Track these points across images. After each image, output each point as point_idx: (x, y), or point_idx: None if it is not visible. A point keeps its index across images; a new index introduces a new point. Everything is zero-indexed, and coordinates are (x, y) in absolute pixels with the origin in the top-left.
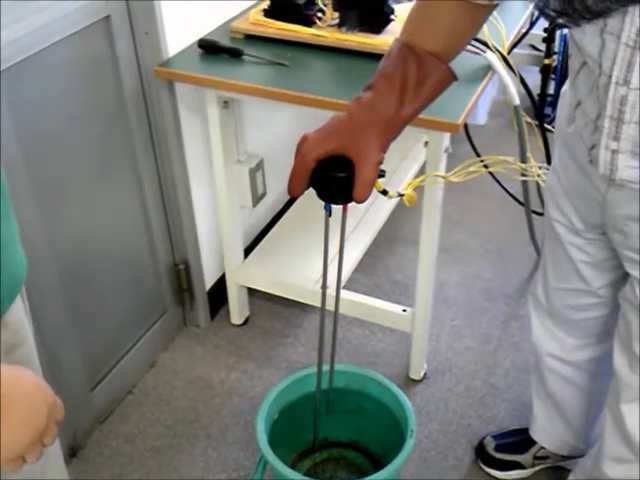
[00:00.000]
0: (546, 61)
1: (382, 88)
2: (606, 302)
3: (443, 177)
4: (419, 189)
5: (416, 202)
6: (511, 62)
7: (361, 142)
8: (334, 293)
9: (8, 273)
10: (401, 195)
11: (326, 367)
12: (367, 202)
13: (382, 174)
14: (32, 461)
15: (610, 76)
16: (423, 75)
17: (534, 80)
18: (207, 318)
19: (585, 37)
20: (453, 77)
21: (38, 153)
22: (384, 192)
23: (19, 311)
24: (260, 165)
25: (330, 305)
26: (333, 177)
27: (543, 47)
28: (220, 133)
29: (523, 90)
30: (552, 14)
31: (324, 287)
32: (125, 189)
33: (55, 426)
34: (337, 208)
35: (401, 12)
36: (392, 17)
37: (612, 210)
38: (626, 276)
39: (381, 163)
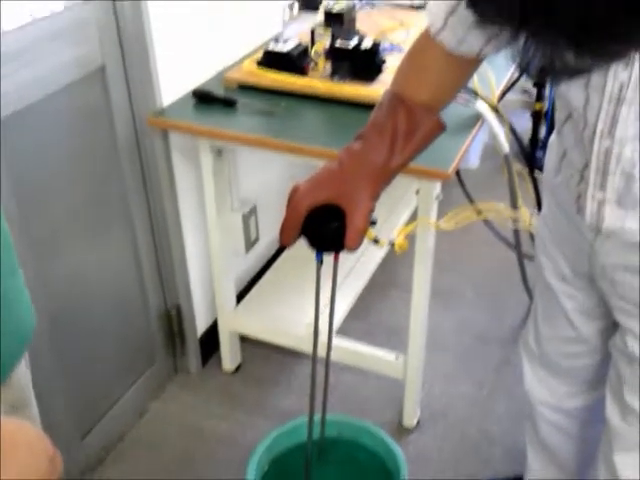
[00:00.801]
0: (537, 106)
1: (372, 138)
2: (597, 350)
3: (434, 225)
4: (411, 234)
5: (407, 250)
6: (501, 111)
7: (352, 191)
8: (326, 340)
9: (17, 328)
10: (392, 244)
11: (318, 416)
12: (360, 248)
13: (373, 222)
14: None
15: (595, 129)
16: (413, 126)
17: (525, 124)
18: (198, 365)
19: (570, 90)
20: (442, 128)
21: (31, 200)
22: (375, 241)
23: (24, 370)
24: (253, 211)
25: (322, 352)
26: (324, 226)
27: (534, 91)
28: (213, 181)
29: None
30: (534, 74)
31: (315, 337)
32: (117, 236)
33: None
34: (328, 257)
35: (392, 63)
36: (383, 68)
37: (600, 259)
38: (616, 324)
39: (372, 212)
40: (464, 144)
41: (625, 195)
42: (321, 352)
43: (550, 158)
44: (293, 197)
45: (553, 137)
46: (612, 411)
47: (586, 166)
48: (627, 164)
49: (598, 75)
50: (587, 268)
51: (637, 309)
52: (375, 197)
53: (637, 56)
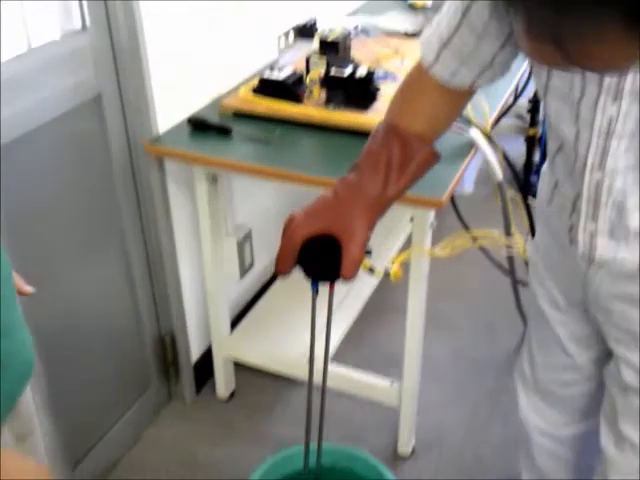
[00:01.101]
0: (530, 131)
1: (367, 168)
2: (591, 378)
3: (429, 252)
4: (406, 260)
5: (402, 277)
6: (494, 138)
7: (347, 222)
8: (322, 367)
9: (19, 359)
10: (387, 274)
11: (313, 444)
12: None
13: (368, 252)
14: None
15: (585, 161)
16: (407, 156)
17: (519, 149)
18: (193, 392)
19: (561, 123)
20: (437, 158)
21: (26, 227)
22: (371, 270)
23: (28, 399)
24: (248, 237)
25: (318, 379)
26: (320, 257)
27: (528, 117)
28: (208, 207)
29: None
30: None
31: (311, 365)
32: (112, 261)
33: None
34: (324, 286)
35: (386, 91)
36: (378, 96)
37: (594, 288)
38: (611, 353)
39: (367, 242)
40: (457, 172)
41: (617, 226)
42: (316, 379)
43: (543, 187)
44: (288, 227)
45: (546, 166)
46: (607, 439)
47: (578, 197)
48: (618, 195)
49: (587, 110)
50: (581, 297)
51: (631, 338)
52: (370, 227)
53: (625, 90)
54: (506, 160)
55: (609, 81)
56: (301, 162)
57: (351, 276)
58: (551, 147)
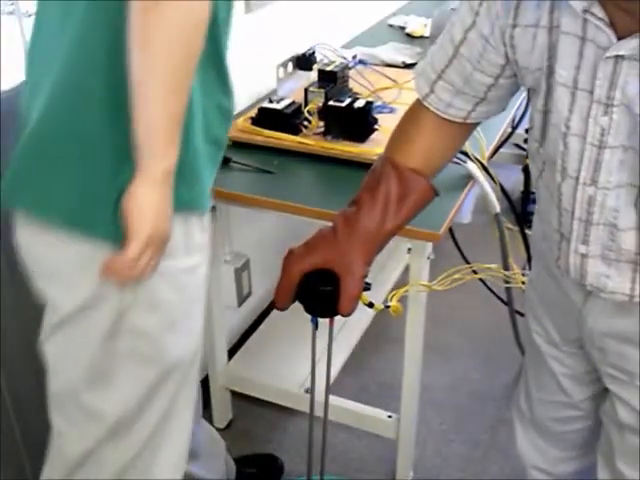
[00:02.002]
0: (528, 161)
1: (365, 203)
2: (588, 415)
3: (427, 286)
4: (403, 294)
5: (402, 312)
6: (491, 171)
7: (345, 257)
8: (320, 398)
9: None
10: (387, 307)
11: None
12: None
13: (367, 287)
14: (145, 261)
15: (577, 177)
16: (405, 191)
17: (518, 178)
18: None
19: (547, 143)
20: (434, 194)
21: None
22: (370, 305)
23: None
24: (246, 265)
25: (317, 412)
26: (318, 291)
27: (526, 146)
28: None
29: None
30: None
31: (312, 398)
32: None
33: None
34: (324, 320)
35: (385, 122)
36: (376, 127)
37: (589, 325)
38: (607, 390)
39: (366, 277)
40: (455, 205)
41: (609, 248)
42: (316, 412)
43: (536, 224)
44: (287, 261)
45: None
46: (603, 476)
47: (565, 223)
48: (610, 214)
49: (579, 122)
50: (576, 334)
51: (626, 377)
52: (368, 262)
53: (616, 100)
54: (503, 192)
55: (599, 92)
56: (300, 193)
57: (349, 311)
58: (534, 173)
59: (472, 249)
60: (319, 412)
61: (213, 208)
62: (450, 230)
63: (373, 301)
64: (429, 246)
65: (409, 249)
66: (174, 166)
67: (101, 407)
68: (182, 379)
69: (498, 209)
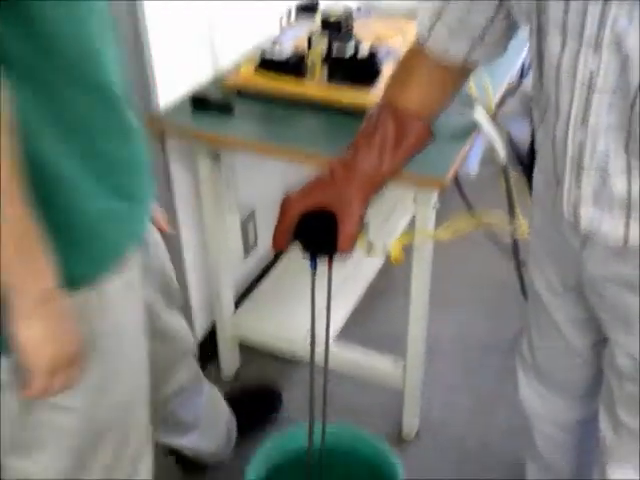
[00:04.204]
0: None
1: (362, 146)
2: (590, 363)
3: (430, 235)
4: (409, 244)
5: (405, 260)
6: (498, 119)
7: (343, 196)
8: (325, 346)
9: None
10: (388, 255)
11: (317, 424)
12: (357, 254)
13: (365, 228)
14: (56, 387)
15: (568, 120)
16: (401, 133)
17: (525, 131)
18: None
19: (544, 84)
20: (431, 136)
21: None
22: (369, 246)
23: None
24: (252, 216)
25: (321, 360)
26: (316, 230)
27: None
28: (210, 185)
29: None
30: None
31: (312, 342)
32: None
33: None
34: (324, 263)
35: (389, 69)
36: (380, 73)
37: (588, 271)
38: (607, 338)
39: (363, 218)
40: (460, 152)
41: (600, 194)
42: (320, 360)
43: (537, 170)
44: (284, 204)
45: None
46: (605, 424)
47: (560, 167)
48: (601, 159)
49: (569, 63)
50: (576, 280)
51: (623, 323)
52: (366, 203)
53: (604, 42)
54: (510, 142)
55: (589, 33)
56: (303, 140)
57: (347, 250)
58: (535, 118)
59: (479, 203)
60: (323, 359)
61: (217, 157)
62: (457, 184)
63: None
64: (434, 195)
65: (415, 199)
66: (52, 281)
67: (31, 472)
68: (122, 437)
69: (505, 160)
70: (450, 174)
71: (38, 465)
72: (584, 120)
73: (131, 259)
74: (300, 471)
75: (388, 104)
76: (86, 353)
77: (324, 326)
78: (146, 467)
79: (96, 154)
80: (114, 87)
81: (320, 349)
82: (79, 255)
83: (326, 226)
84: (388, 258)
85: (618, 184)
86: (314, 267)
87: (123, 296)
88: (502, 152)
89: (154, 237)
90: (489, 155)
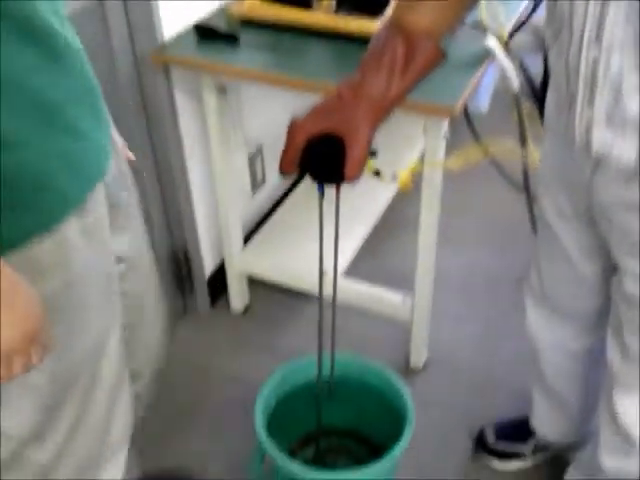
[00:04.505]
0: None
1: (370, 68)
2: (599, 291)
3: (440, 164)
4: (418, 176)
5: (412, 189)
6: (511, 47)
7: (351, 121)
8: (333, 279)
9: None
10: (395, 180)
11: (326, 355)
12: (367, 188)
13: (373, 153)
14: (18, 370)
15: (582, 35)
16: (411, 53)
17: (537, 66)
18: (207, 305)
19: (558, 2)
20: (442, 56)
21: None
22: (377, 173)
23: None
24: (259, 152)
25: (329, 293)
26: (323, 155)
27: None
28: (217, 119)
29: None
30: None
31: (320, 270)
32: None
33: (42, 351)
34: (332, 190)
35: None
36: (389, 3)
37: (598, 196)
38: (617, 265)
39: (371, 142)
40: (472, 80)
41: (613, 114)
42: (328, 292)
43: (549, 93)
44: (291, 128)
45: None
46: (613, 352)
47: (570, 85)
48: (615, 77)
49: None
50: (586, 205)
51: (633, 248)
52: (374, 127)
53: None
54: (523, 70)
55: None
56: (310, 70)
57: (355, 176)
58: (547, 37)
59: (489, 137)
60: (332, 292)
61: (223, 91)
62: (467, 119)
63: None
64: (445, 123)
65: (425, 129)
66: None
67: (2, 428)
68: (90, 385)
69: (517, 88)
70: (461, 102)
71: (8, 421)
72: (598, 36)
73: (91, 200)
74: (309, 400)
75: (396, 24)
76: (47, 323)
77: (332, 260)
78: (123, 408)
79: (30, 93)
80: (42, 19)
81: (329, 281)
82: (26, 208)
83: (333, 152)
84: (397, 187)
85: (631, 104)
86: (322, 194)
87: (85, 242)
88: (515, 80)
89: (120, 169)
90: (499, 95)
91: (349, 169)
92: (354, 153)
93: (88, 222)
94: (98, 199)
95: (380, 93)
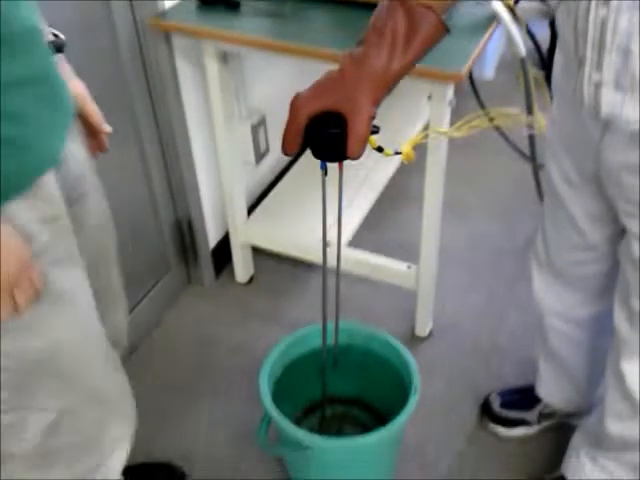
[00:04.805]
0: None
1: (372, 42)
2: (606, 257)
3: (444, 132)
4: (423, 146)
5: (416, 160)
6: (517, 12)
7: (352, 97)
8: (337, 249)
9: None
10: (398, 153)
11: (330, 324)
12: (371, 160)
13: (375, 130)
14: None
15: None
16: (413, 27)
17: (544, 34)
18: (212, 276)
19: None
20: (444, 29)
21: None
22: (379, 149)
23: (51, 184)
24: (262, 122)
25: (334, 261)
26: (326, 134)
27: None
28: (219, 88)
29: (531, 44)
30: None
31: (324, 244)
32: (124, 145)
33: (30, 290)
34: (334, 167)
35: None
36: None
37: (606, 159)
38: (624, 230)
39: (373, 118)
40: (478, 46)
41: (622, 75)
42: (333, 261)
43: (558, 56)
44: (294, 105)
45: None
46: (620, 318)
47: (578, 47)
48: (623, 38)
49: None
50: (594, 170)
51: None
52: (376, 103)
53: None
54: (529, 35)
55: None
56: (314, 37)
57: (357, 153)
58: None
59: (495, 106)
60: (336, 263)
61: (225, 59)
62: (473, 87)
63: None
64: (450, 90)
65: (430, 96)
66: None
67: None
68: (68, 380)
69: (523, 52)
70: (467, 68)
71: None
72: None
73: (39, 189)
74: (314, 369)
75: None
76: (32, 267)
77: (336, 231)
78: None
79: None
80: None
81: (333, 251)
82: None
83: (336, 129)
84: (398, 154)
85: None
86: (325, 171)
87: (46, 230)
88: (521, 45)
89: (74, 155)
90: (505, 62)
91: (351, 146)
92: (356, 130)
93: (44, 209)
94: (49, 184)
95: (382, 68)
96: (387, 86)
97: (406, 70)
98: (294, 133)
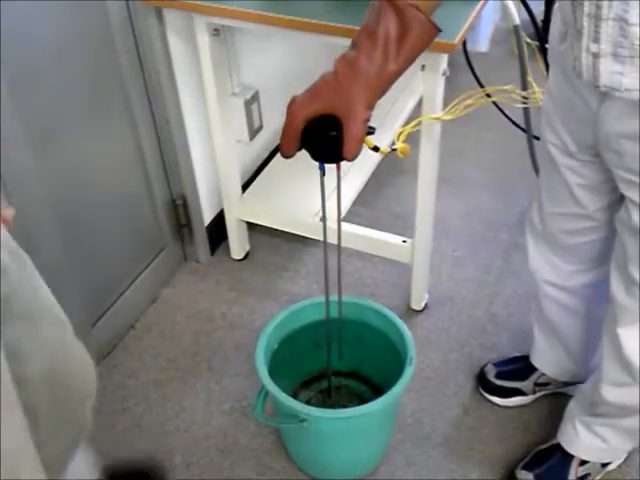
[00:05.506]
0: None
1: (365, 45)
2: (602, 226)
3: (436, 118)
4: (415, 126)
5: (409, 153)
6: None
7: (347, 100)
8: (334, 226)
9: None
10: (394, 149)
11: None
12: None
13: (371, 131)
14: None
15: None
16: (404, 29)
17: (538, 5)
18: (207, 253)
19: None
20: (435, 30)
21: (24, 89)
22: (375, 149)
23: None
24: (255, 97)
25: (330, 238)
26: (322, 137)
27: None
28: (211, 63)
29: (526, 16)
30: None
31: (324, 234)
32: (117, 123)
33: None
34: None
35: None
36: None
37: (605, 128)
38: (622, 199)
39: (368, 121)
40: (471, 15)
41: (620, 45)
42: (330, 239)
43: (555, 26)
44: (290, 109)
45: (558, 2)
46: (616, 286)
47: (577, 19)
48: (619, 8)
49: None
50: (591, 139)
51: None
52: (371, 106)
53: None
54: (523, 3)
55: None
56: (307, 10)
57: (353, 155)
58: None
59: (490, 79)
60: (333, 240)
61: (216, 32)
62: (467, 59)
63: (379, 145)
64: (444, 60)
65: (423, 67)
66: None
67: None
68: None
69: (517, 21)
70: (460, 37)
71: None
72: None
73: None
74: (309, 343)
75: None
76: None
77: (332, 208)
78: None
79: None
80: None
81: (331, 226)
82: None
83: (332, 132)
84: (394, 150)
85: (638, 34)
86: (323, 172)
87: None
88: (515, 13)
89: None
90: (499, 34)
91: (347, 148)
92: (352, 132)
93: None
94: None
95: (376, 72)
96: (381, 89)
97: (399, 72)
98: (291, 136)
